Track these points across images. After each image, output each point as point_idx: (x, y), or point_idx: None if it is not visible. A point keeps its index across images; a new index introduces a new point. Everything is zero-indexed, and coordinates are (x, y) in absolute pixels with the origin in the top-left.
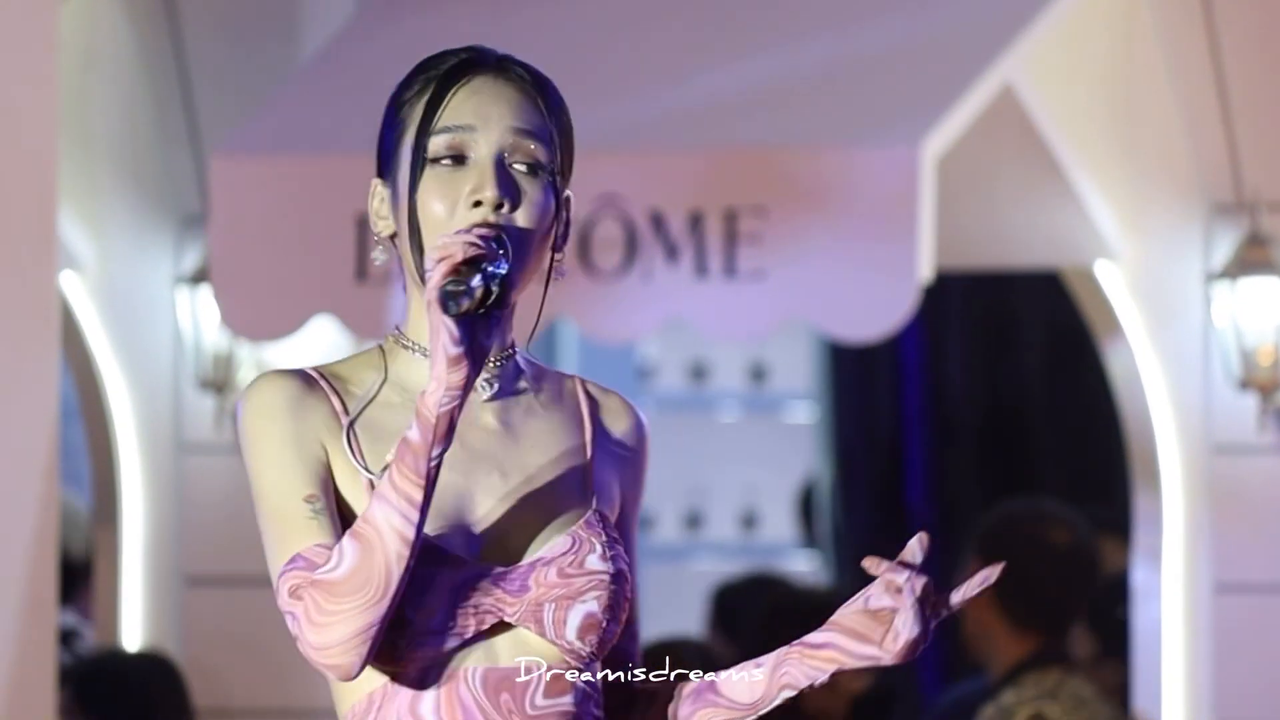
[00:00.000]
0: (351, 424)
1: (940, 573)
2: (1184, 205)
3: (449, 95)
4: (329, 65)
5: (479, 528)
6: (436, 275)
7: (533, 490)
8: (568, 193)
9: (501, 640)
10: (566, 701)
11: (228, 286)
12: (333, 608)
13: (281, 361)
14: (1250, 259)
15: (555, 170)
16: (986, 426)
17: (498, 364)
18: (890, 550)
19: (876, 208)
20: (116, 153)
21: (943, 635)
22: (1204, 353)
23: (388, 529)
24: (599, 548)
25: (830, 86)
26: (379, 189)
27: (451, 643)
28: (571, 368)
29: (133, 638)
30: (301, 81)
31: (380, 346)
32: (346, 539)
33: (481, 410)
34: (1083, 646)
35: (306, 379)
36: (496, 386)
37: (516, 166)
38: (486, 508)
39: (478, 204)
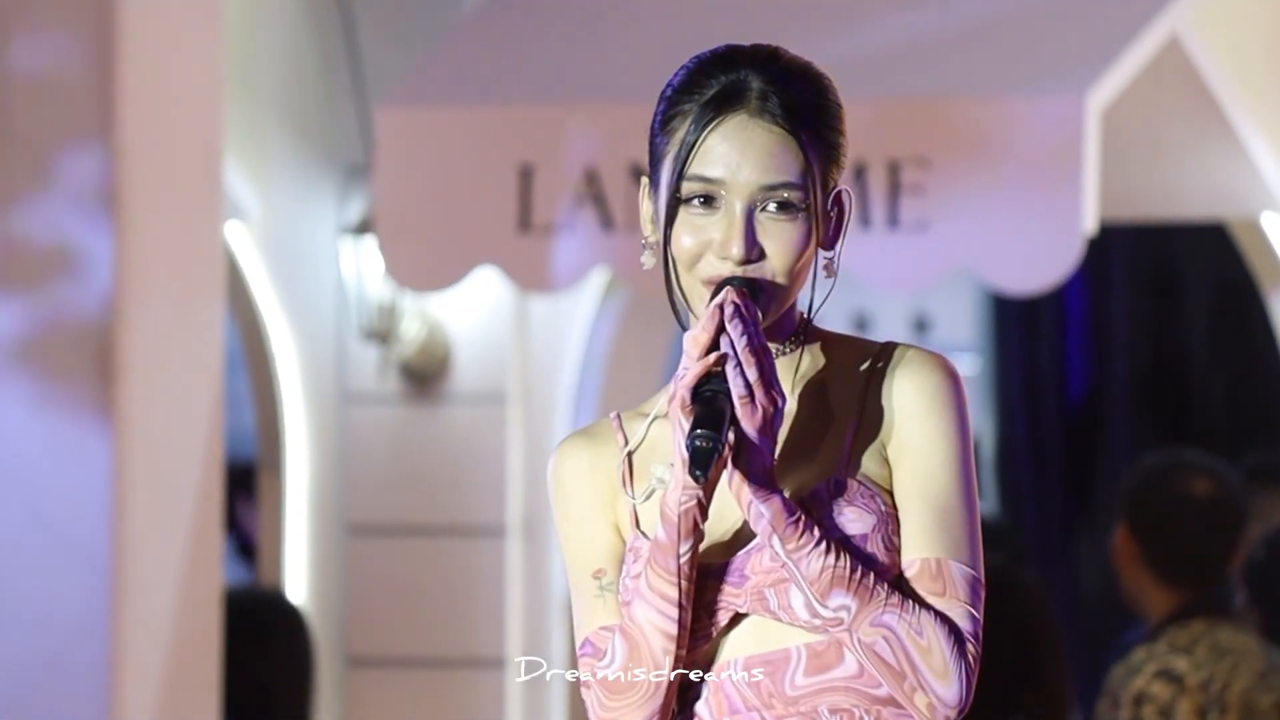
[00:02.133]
0: (629, 454)
1: (1102, 524)
2: None
3: (702, 139)
4: (493, 16)
5: (717, 524)
6: (685, 423)
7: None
8: (842, 189)
9: (750, 626)
10: (834, 677)
11: (392, 237)
12: (613, 703)
13: (449, 311)
14: None
15: (811, 201)
16: (1150, 378)
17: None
18: (1054, 507)
19: (1041, 158)
20: (282, 104)
21: None
22: None
23: (649, 627)
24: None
25: (995, 36)
26: (648, 191)
27: (702, 643)
28: None
29: (296, 586)
30: (466, 32)
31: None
32: (617, 635)
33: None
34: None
35: (598, 432)
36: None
37: (766, 214)
38: (724, 500)
39: (725, 257)
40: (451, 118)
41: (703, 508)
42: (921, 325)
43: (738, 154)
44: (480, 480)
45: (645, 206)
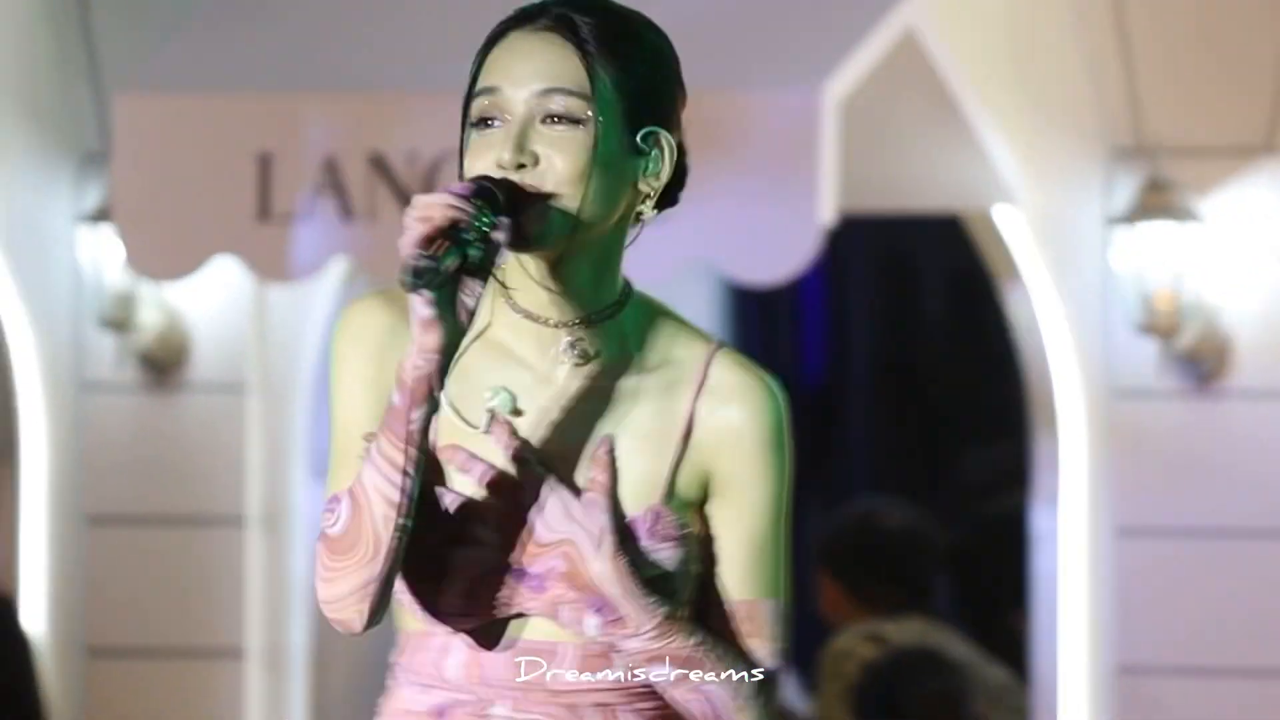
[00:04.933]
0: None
1: (820, 525)
2: (1084, 150)
3: (487, 57)
4: (231, 2)
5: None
6: (406, 242)
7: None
8: (660, 132)
9: (533, 619)
10: (604, 680)
11: (129, 225)
12: (332, 564)
13: (188, 300)
14: (1150, 204)
15: (597, 120)
16: (887, 369)
17: (592, 321)
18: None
19: (778, 150)
20: (16, 89)
21: None
22: (1104, 297)
23: (374, 492)
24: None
25: (732, 27)
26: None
27: (474, 622)
28: None
29: (33, 577)
30: (204, 18)
31: (497, 280)
32: (345, 496)
33: (570, 378)
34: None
35: (400, 301)
36: (593, 350)
37: (546, 124)
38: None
39: (500, 165)
40: (189, 105)
41: (439, 376)
42: None
43: (516, 61)
44: (219, 470)
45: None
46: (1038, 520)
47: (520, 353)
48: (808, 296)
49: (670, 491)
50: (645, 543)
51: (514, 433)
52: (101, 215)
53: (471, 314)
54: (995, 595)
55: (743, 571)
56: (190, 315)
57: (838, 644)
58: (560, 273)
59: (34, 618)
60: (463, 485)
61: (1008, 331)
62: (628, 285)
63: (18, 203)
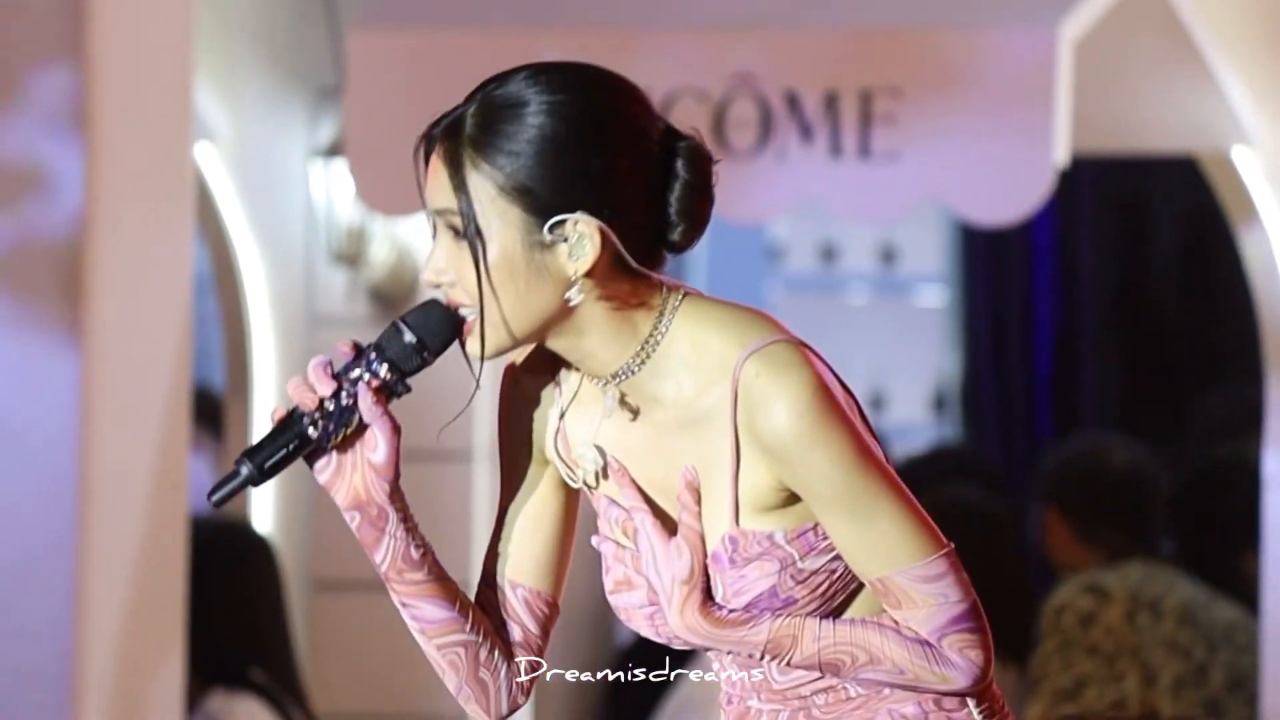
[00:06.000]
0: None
1: (1047, 460)
2: None
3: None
4: None
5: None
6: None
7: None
8: (573, 223)
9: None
10: (814, 675)
11: (362, 160)
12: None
13: (414, 234)
14: None
15: (480, 232)
16: (1118, 310)
17: (624, 375)
18: (1021, 437)
19: (1013, 90)
20: (253, 24)
21: None
22: None
23: (408, 625)
24: (720, 587)
25: None
26: None
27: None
28: (700, 248)
29: (262, 511)
30: None
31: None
32: None
33: (632, 426)
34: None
35: (524, 370)
36: (636, 401)
37: (454, 239)
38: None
39: None
40: (425, 41)
41: (379, 520)
42: (888, 256)
43: (424, 176)
44: (448, 404)
45: None
46: (1270, 464)
47: (602, 405)
48: (1040, 237)
49: (739, 512)
50: (729, 571)
51: (626, 477)
52: (335, 150)
53: (387, 461)
54: (1226, 538)
55: (855, 555)
56: (421, 250)
57: (1056, 597)
58: (561, 348)
59: None
60: (608, 530)
61: (1242, 273)
62: (668, 311)
63: (252, 138)
